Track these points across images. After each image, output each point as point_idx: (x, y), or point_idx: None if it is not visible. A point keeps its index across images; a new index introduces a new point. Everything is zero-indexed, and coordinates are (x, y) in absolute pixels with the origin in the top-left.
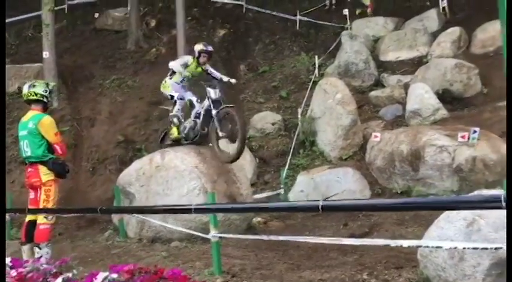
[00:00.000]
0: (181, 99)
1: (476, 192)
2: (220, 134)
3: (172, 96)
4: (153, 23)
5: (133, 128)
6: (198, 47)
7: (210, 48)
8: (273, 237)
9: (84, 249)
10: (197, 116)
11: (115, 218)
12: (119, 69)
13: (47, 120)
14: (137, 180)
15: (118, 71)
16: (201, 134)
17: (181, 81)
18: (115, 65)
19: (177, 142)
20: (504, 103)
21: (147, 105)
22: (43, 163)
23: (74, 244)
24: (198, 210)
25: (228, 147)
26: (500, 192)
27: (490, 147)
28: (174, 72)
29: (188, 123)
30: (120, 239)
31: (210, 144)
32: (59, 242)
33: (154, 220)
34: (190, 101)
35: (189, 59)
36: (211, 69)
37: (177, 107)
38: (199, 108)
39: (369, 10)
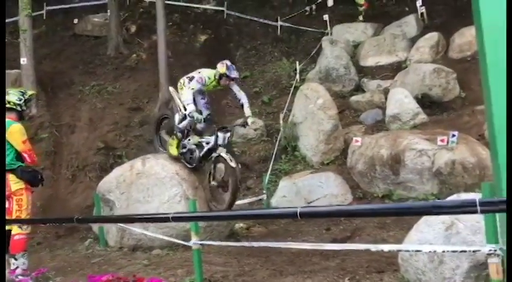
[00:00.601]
0: (191, 117)
1: (454, 196)
2: (212, 182)
3: (184, 108)
4: (133, 29)
5: (113, 134)
6: (221, 68)
7: (234, 75)
8: (254, 244)
9: (63, 259)
10: (200, 145)
11: (95, 226)
12: (98, 75)
13: (15, 128)
14: (117, 188)
15: (98, 77)
16: (197, 165)
17: (198, 91)
18: (95, 71)
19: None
20: (482, 107)
21: (127, 111)
22: (12, 171)
23: (53, 253)
24: (176, 219)
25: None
26: (475, 196)
27: (468, 150)
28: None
29: (188, 144)
30: (100, 247)
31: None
32: (38, 252)
33: (135, 228)
34: (200, 113)
35: (206, 77)
36: (236, 90)
37: (185, 122)
38: (204, 136)
39: (362, 8)
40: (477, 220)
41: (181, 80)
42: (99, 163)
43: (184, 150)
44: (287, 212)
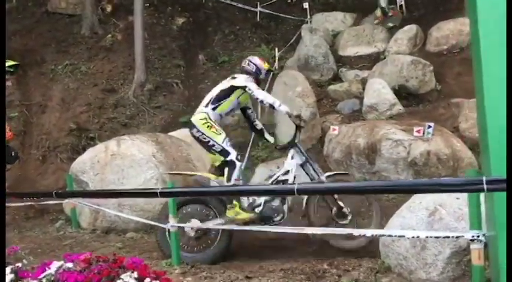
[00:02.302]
0: (239, 160)
1: None
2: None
3: (225, 152)
4: (109, 8)
5: (86, 115)
6: (265, 64)
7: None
8: (235, 227)
9: (33, 240)
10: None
11: (67, 207)
12: (72, 54)
13: None
14: (91, 169)
15: (71, 57)
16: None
17: (226, 113)
18: (68, 50)
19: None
20: (457, 100)
21: (101, 92)
22: None
23: (21, 235)
24: (165, 194)
25: None
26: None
27: (443, 142)
28: (222, 97)
29: (257, 199)
30: (72, 229)
31: None
32: (6, 233)
33: (109, 210)
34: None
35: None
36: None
37: (236, 172)
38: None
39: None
40: (460, 207)
41: (198, 111)
42: (71, 144)
43: (258, 210)
44: (285, 189)
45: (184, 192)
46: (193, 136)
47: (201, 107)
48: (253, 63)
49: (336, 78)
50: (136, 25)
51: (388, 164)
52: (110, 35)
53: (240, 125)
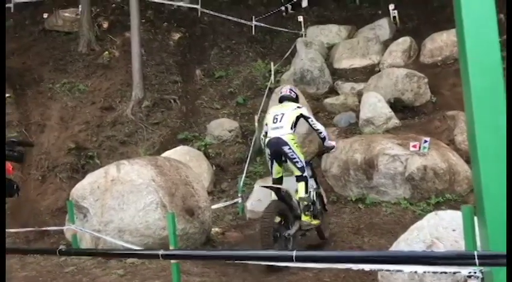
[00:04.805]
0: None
1: (432, 214)
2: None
3: (303, 168)
4: (105, 25)
5: (85, 134)
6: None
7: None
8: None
9: (34, 268)
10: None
11: (68, 232)
12: (69, 72)
13: None
14: (91, 194)
15: (69, 75)
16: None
17: None
18: (66, 68)
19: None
20: (452, 112)
21: (99, 110)
22: None
23: (23, 261)
24: (166, 256)
25: None
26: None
27: (439, 156)
28: (296, 123)
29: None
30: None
31: None
32: (7, 259)
33: (109, 238)
34: None
35: None
36: None
37: (309, 185)
38: None
39: None
40: (456, 240)
41: (289, 132)
42: (70, 164)
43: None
44: (283, 255)
45: (187, 256)
46: (281, 151)
47: (287, 129)
48: (294, 92)
49: (332, 91)
50: (133, 41)
51: (386, 179)
52: (106, 52)
53: (237, 141)
